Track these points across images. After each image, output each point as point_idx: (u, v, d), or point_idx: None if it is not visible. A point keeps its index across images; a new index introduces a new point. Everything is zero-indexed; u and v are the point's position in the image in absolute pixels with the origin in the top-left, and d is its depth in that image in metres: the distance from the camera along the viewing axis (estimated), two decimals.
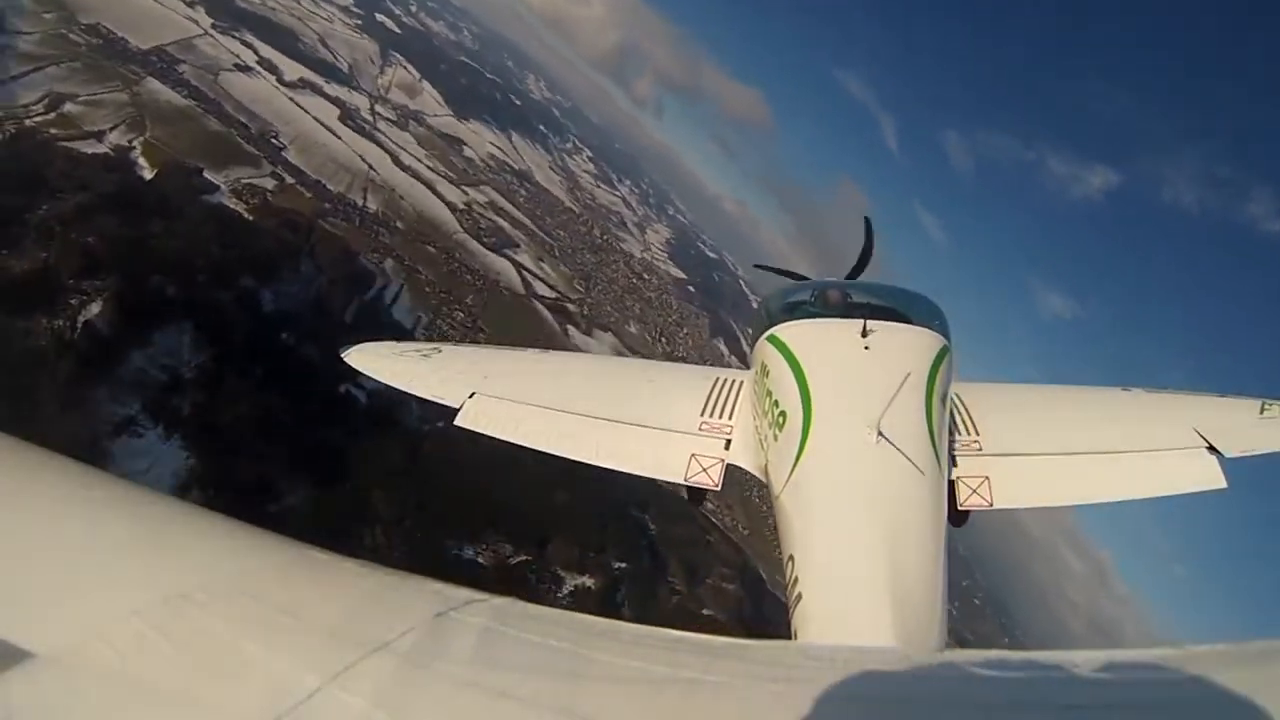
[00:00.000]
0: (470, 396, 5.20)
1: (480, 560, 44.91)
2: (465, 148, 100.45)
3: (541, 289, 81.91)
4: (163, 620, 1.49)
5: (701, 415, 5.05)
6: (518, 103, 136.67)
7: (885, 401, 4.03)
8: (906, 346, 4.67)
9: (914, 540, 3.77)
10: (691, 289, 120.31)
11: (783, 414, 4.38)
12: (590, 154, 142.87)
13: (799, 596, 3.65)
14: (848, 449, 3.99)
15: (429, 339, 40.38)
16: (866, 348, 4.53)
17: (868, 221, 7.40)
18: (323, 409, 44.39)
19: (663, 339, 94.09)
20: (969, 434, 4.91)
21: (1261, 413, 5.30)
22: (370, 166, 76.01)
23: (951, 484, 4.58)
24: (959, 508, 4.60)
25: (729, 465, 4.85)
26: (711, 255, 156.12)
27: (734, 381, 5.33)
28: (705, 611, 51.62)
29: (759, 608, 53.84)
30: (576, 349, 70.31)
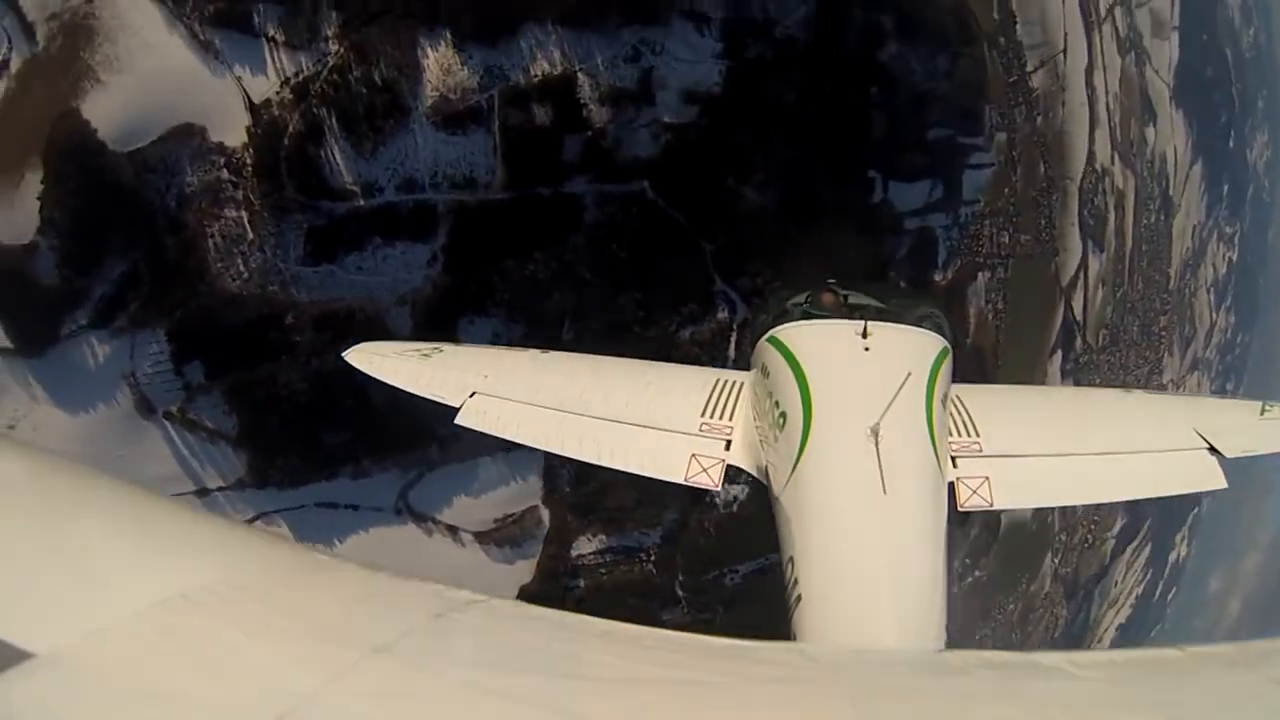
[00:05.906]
0: (471, 396, 5.22)
1: None
2: None
3: None
4: (163, 620, 1.49)
5: (702, 416, 5.05)
6: None
7: (885, 402, 4.03)
8: (907, 347, 4.67)
9: (914, 541, 3.78)
10: None
11: (783, 415, 4.38)
12: None
13: (799, 598, 3.65)
14: (848, 450, 3.99)
15: None
16: (867, 349, 4.53)
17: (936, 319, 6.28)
18: None
19: None
20: (969, 435, 4.92)
21: (1262, 414, 5.32)
22: None
23: (951, 485, 4.60)
24: (959, 509, 4.61)
25: (729, 466, 4.87)
26: None
27: (734, 382, 5.33)
28: None
29: None
30: None
